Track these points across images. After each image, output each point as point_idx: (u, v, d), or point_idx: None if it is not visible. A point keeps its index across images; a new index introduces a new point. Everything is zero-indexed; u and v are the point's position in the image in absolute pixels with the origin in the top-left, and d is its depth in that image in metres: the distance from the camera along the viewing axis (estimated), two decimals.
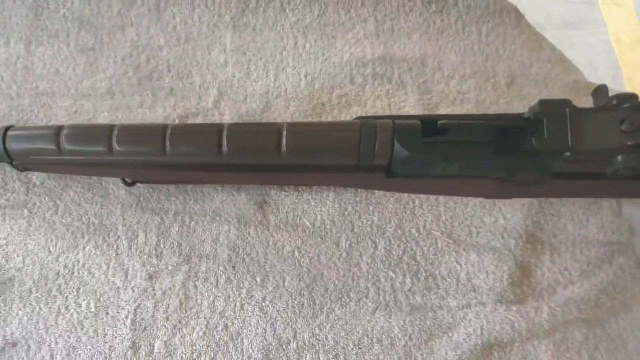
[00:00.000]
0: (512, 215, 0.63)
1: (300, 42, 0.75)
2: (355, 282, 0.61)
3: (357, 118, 0.57)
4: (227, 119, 0.70)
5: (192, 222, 0.64)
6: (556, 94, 0.70)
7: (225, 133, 0.54)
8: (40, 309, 0.60)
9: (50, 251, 0.63)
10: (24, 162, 0.60)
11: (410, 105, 0.70)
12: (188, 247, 0.63)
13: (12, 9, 0.78)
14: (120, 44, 0.75)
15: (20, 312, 0.60)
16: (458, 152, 0.54)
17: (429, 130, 0.53)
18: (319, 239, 0.63)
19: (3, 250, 0.63)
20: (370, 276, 0.61)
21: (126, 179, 0.63)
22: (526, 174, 0.54)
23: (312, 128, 0.57)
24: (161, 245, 0.63)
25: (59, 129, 0.57)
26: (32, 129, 0.59)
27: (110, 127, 0.56)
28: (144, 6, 0.78)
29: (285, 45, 0.75)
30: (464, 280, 0.61)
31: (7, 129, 0.58)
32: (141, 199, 0.65)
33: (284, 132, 0.54)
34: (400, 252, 0.62)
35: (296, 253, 0.62)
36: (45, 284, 0.61)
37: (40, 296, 0.61)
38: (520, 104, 0.70)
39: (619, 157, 0.48)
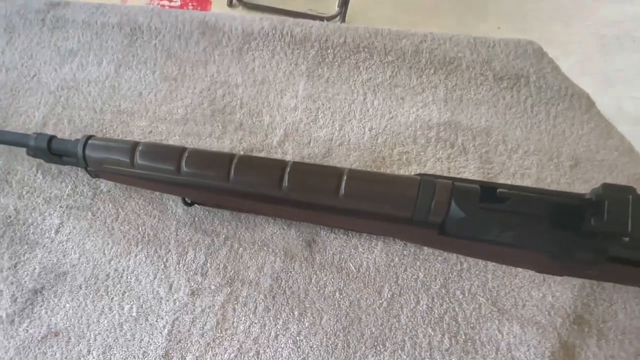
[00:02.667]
0: (562, 294, 0.65)
1: (369, 99, 0.83)
2: (392, 333, 0.63)
3: (418, 175, 0.60)
4: (289, 159, 0.76)
5: (241, 249, 0.69)
6: (620, 182, 0.73)
7: (288, 169, 0.60)
8: (86, 305, 0.65)
9: (104, 253, 0.69)
10: (97, 169, 0.68)
11: (469, 172, 0.75)
12: (233, 271, 0.67)
13: (109, 34, 0.90)
14: (201, 78, 0.85)
15: (67, 305, 0.65)
16: (514, 222, 0.56)
17: (487, 197, 0.56)
18: (361, 284, 0.66)
19: (63, 246, 0.70)
20: (408, 330, 0.63)
21: (186, 199, 0.70)
22: (581, 253, 0.55)
23: (372, 177, 0.61)
24: (207, 265, 0.68)
25: (136, 144, 0.64)
26: (111, 141, 0.66)
27: (181, 150, 0.63)
28: (227, 47, 0.89)
29: (355, 99, 0.83)
30: (504, 350, 0.62)
31: (89, 137, 0.67)
32: (196, 219, 0.72)
33: (345, 177, 0.58)
34: (442, 311, 0.64)
35: (337, 294, 0.66)
36: (95, 283, 0.67)
37: (88, 293, 0.66)
38: (582, 187, 0.73)
39: None
